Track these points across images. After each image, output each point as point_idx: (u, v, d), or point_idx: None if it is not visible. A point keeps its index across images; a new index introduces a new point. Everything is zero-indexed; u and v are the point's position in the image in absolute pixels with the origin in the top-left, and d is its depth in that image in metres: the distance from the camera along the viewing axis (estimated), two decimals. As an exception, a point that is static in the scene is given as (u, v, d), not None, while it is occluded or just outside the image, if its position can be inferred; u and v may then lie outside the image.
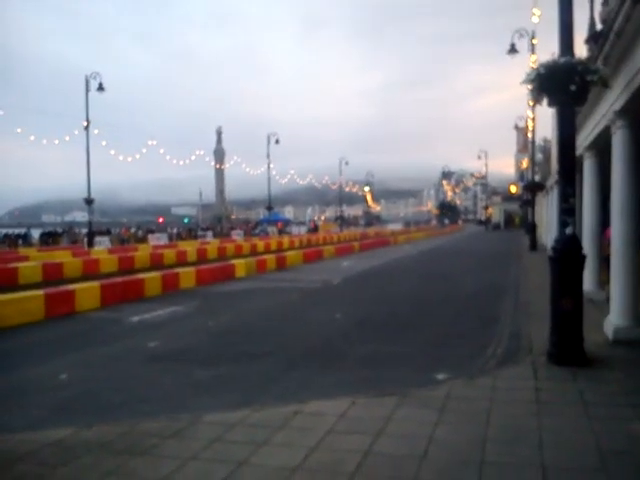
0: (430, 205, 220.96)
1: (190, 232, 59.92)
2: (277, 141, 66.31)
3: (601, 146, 12.92)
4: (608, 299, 10.52)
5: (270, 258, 27.04)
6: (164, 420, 6.10)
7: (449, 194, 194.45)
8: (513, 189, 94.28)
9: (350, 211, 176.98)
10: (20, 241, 44.76)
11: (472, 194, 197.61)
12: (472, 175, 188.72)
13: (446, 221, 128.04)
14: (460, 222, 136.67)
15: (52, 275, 21.86)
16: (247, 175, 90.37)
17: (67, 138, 49.39)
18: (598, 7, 12.80)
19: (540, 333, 9.46)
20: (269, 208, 73.15)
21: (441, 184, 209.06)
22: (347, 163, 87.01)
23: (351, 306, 14.73)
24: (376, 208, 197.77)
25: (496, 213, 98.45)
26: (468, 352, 9.26)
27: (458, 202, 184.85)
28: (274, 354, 9.50)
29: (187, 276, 19.55)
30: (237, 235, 58.63)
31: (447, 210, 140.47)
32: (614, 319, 9.39)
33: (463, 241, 54.12)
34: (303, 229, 76.68)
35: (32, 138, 50.97)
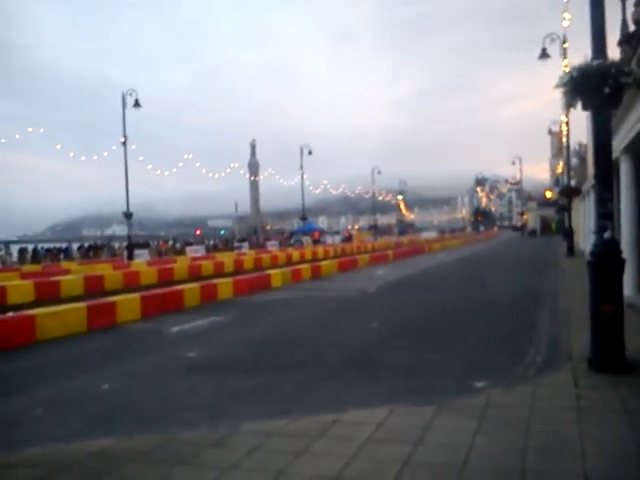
0: (464, 212, 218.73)
1: (226, 243, 60.43)
2: (310, 152, 66.59)
3: (638, 149, 12.65)
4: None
5: (305, 268, 27.09)
6: (204, 429, 6.15)
7: (483, 200, 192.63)
8: (548, 194, 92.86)
9: (383, 220, 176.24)
10: (62, 255, 45.68)
11: (507, 200, 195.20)
12: (506, 181, 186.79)
13: (481, 228, 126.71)
14: (495, 229, 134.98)
15: (93, 288, 22.25)
16: (281, 186, 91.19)
17: (105, 154, 50.62)
18: (630, 8, 12.60)
19: (580, 340, 9.27)
20: (303, 218, 73.41)
21: (475, 191, 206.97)
22: (380, 172, 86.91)
23: (387, 314, 14.65)
24: (410, 216, 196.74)
25: (532, 219, 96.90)
26: (507, 359, 9.12)
27: (493, 208, 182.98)
28: (311, 363, 9.50)
29: (225, 287, 19.71)
30: (272, 245, 58.88)
31: (482, 217, 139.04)
32: (656, 324, 9.15)
33: (499, 248, 53.44)
34: (337, 238, 76.66)
35: (71, 154, 52.33)
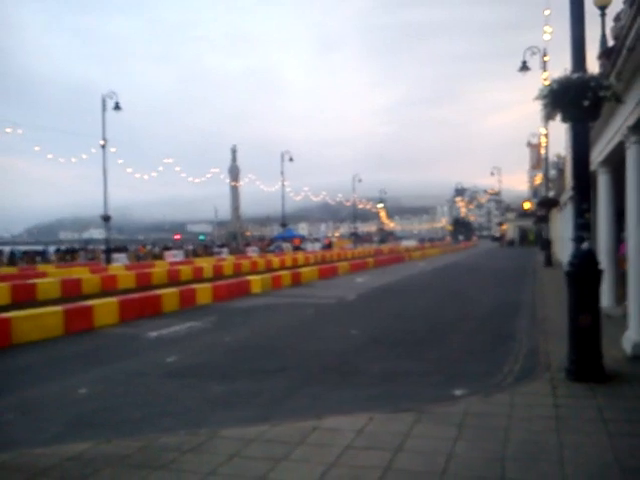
0: (444, 222, 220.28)
1: (206, 249, 60.18)
2: (291, 159, 66.70)
3: (615, 161, 12.86)
4: (625, 315, 10.41)
5: (285, 274, 27.06)
6: (183, 435, 6.10)
7: (463, 210, 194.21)
8: (527, 205, 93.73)
9: (364, 228, 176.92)
10: (39, 258, 45.18)
11: (486, 211, 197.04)
12: (486, 192, 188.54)
13: (460, 237, 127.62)
14: (474, 238, 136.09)
15: (70, 291, 22.02)
16: (262, 192, 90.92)
17: (84, 156, 50.15)
18: (610, 23, 12.81)
19: (558, 349, 9.37)
20: (283, 225, 73.40)
21: (454, 201, 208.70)
22: (360, 180, 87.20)
23: (366, 322, 14.68)
24: (390, 225, 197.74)
25: (510, 229, 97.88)
26: (485, 369, 9.19)
27: (472, 218, 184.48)
28: (290, 369, 9.48)
29: (204, 292, 19.61)
30: (252, 251, 58.77)
31: (461, 226, 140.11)
32: (632, 335, 9.28)
33: (478, 257, 53.85)
34: (318, 246, 76.71)
35: (50, 156, 51.77)
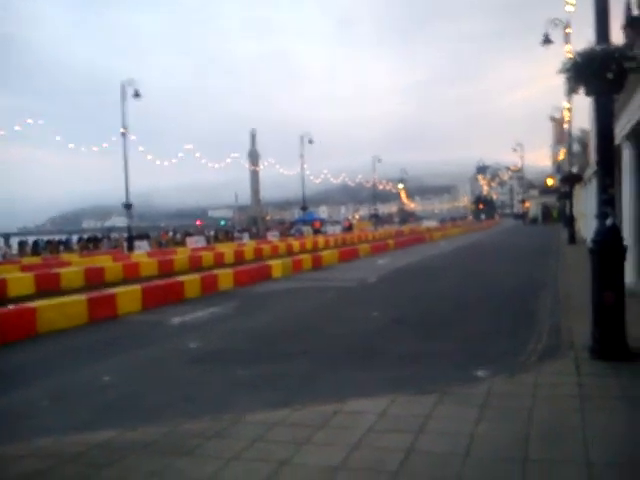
0: (466, 200, 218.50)
1: (227, 234, 60.39)
2: (310, 141, 66.48)
3: (640, 135, 12.62)
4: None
5: (306, 258, 27.10)
6: (207, 420, 6.17)
7: (485, 189, 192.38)
8: (550, 182, 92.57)
9: (384, 209, 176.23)
10: (62, 247, 45.70)
11: (508, 188, 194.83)
12: (508, 169, 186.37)
13: (482, 216, 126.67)
14: (497, 217, 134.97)
15: (94, 279, 22.26)
16: (282, 176, 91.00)
17: (105, 145, 50.49)
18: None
19: (581, 328, 9.27)
20: (304, 208, 73.35)
21: (476, 179, 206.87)
22: (380, 161, 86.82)
23: (388, 304, 14.68)
24: (411, 205, 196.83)
25: (533, 207, 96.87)
26: (508, 348, 9.14)
27: (494, 196, 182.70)
28: (312, 353, 9.52)
29: (225, 277, 19.73)
30: (273, 236, 58.87)
31: (483, 205, 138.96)
32: (658, 312, 9.15)
33: (500, 236, 53.42)
34: (338, 228, 76.63)
35: (71, 146, 52.22)
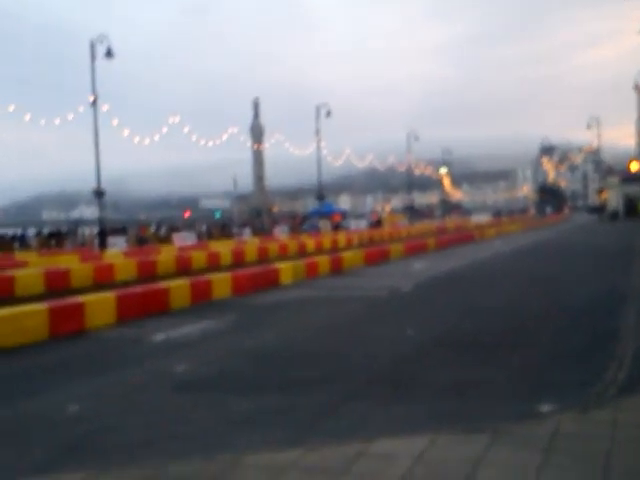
0: (526, 189, 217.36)
1: (223, 229, 60.65)
2: (328, 113, 66.62)
3: None
4: None
5: (323, 260, 27.14)
6: (198, 462, 6.22)
7: (551, 174, 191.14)
8: (634, 166, 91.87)
9: (422, 199, 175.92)
10: (16, 243, 46.07)
11: (581, 174, 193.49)
12: (580, 150, 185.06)
13: (548, 209, 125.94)
14: (566, 210, 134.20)
15: (56, 285, 22.42)
16: (292, 157, 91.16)
17: (70, 117, 50.77)
18: None
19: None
20: (320, 198, 73.48)
21: (540, 162, 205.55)
22: (417, 139, 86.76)
23: (426, 320, 14.66)
24: (456, 195, 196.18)
25: (613, 198, 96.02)
26: (580, 378, 9.10)
27: (563, 184, 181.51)
28: (330, 381, 9.54)
29: (221, 284, 19.81)
30: (281, 232, 59.04)
31: (548, 195, 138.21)
32: None
33: (571, 235, 53.12)
34: (363, 223, 76.66)
35: (28, 117, 52.52)
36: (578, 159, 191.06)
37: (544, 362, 10.27)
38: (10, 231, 54.28)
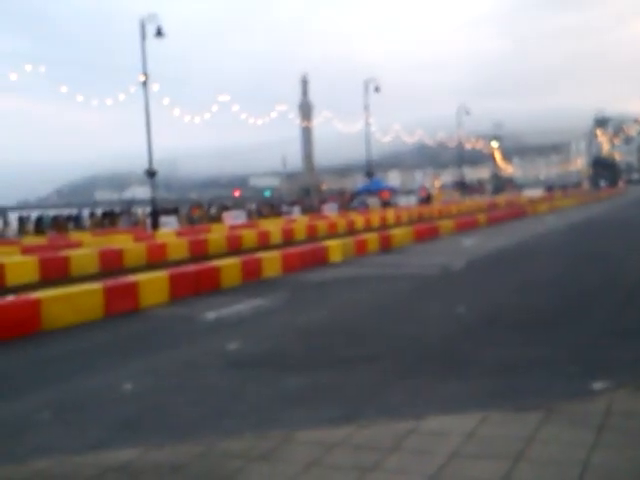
0: (580, 163, 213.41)
1: (273, 208, 60.90)
2: (377, 89, 66.19)
3: None
4: None
5: (372, 238, 27.10)
6: (250, 438, 6.30)
7: (605, 147, 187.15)
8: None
9: (473, 174, 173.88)
10: (71, 224, 46.86)
11: (636, 146, 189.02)
12: (636, 121, 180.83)
13: (602, 183, 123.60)
14: (621, 184, 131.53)
15: (110, 264, 22.75)
16: (340, 135, 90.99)
17: (122, 97, 51.29)
18: None
19: None
20: (369, 175, 73.18)
21: (594, 134, 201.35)
22: (468, 113, 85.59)
23: (477, 298, 14.56)
24: (508, 169, 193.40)
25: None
26: (634, 355, 8.96)
27: (618, 157, 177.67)
28: (381, 358, 9.56)
29: (271, 262, 19.94)
30: (330, 210, 58.99)
31: (603, 168, 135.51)
32: None
33: (626, 209, 52.03)
34: (412, 200, 76.19)
35: (80, 99, 53.17)
36: (633, 130, 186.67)
37: (597, 339, 10.12)
38: (65, 212, 55.24)
